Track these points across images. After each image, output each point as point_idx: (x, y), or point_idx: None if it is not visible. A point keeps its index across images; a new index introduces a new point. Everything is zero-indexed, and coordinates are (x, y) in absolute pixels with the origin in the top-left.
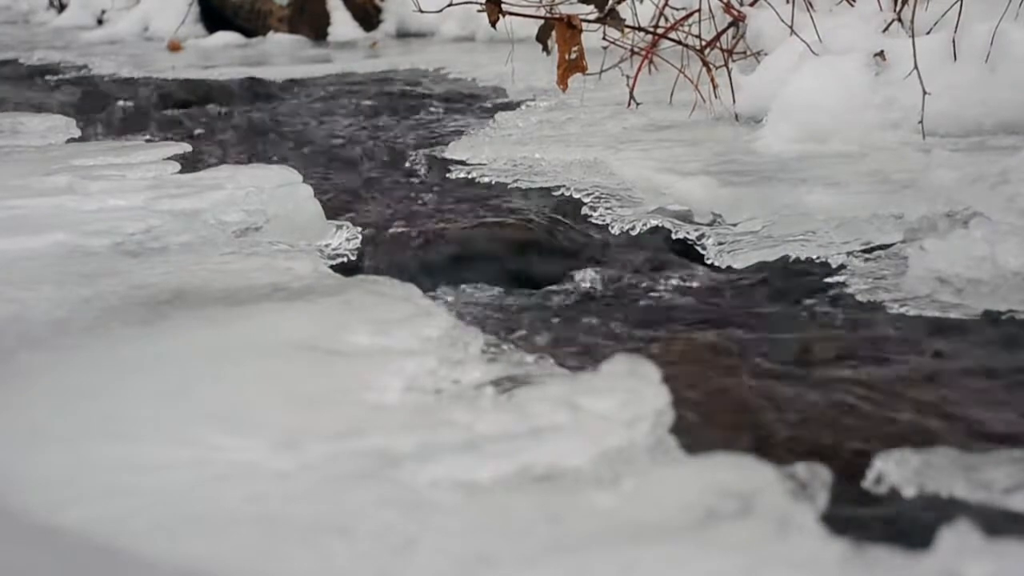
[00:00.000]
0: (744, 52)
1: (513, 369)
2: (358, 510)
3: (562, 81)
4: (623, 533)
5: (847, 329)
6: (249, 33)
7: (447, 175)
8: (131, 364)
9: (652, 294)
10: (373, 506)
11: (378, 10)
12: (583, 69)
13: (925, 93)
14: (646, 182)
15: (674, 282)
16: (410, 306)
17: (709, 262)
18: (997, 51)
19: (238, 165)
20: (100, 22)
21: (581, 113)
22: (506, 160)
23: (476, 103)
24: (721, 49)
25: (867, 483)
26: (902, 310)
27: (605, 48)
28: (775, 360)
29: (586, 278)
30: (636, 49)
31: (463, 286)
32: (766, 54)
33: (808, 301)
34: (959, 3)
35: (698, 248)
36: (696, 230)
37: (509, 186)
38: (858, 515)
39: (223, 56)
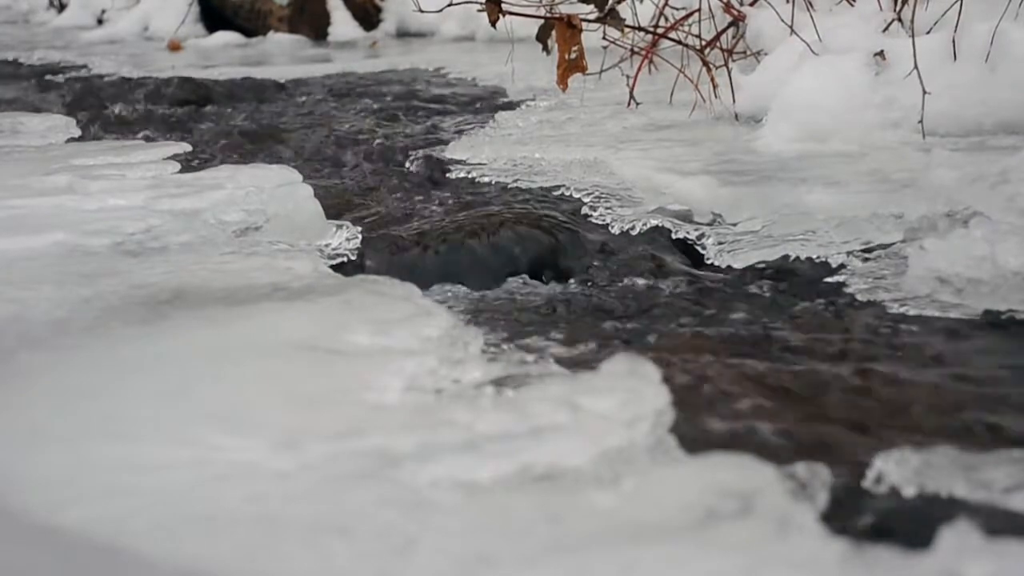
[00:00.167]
0: (744, 52)
1: (513, 369)
2: (358, 510)
3: (562, 81)
4: (623, 533)
5: (847, 329)
6: (249, 33)
7: (447, 175)
8: (131, 364)
9: (652, 294)
10: (373, 506)
11: (378, 10)
12: (583, 69)
13: (925, 93)
14: (646, 182)
15: (674, 282)
16: (410, 306)
17: (709, 262)
18: (997, 51)
19: (238, 165)
20: (100, 22)
21: (581, 113)
22: (506, 160)
23: (476, 103)
24: (721, 49)
25: (867, 483)
26: (902, 310)
27: (605, 48)
28: (775, 360)
29: (586, 278)
30: (636, 49)
31: (463, 286)
32: (766, 54)
33: (808, 301)
34: (959, 3)
35: (698, 248)
36: (696, 230)
37: (509, 186)
38: (858, 515)
39: (223, 56)
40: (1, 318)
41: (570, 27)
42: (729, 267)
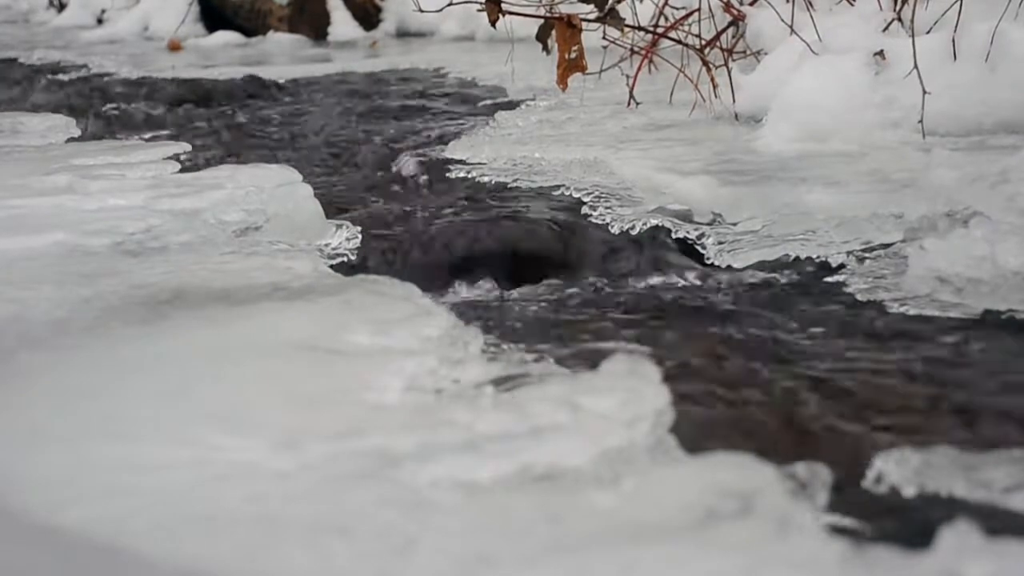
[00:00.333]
0: (744, 51)
1: (513, 368)
2: (358, 510)
3: (562, 80)
4: (623, 533)
5: (847, 328)
6: (249, 33)
7: (447, 174)
8: (131, 364)
9: (652, 293)
10: (373, 506)
11: (378, 9)
12: (583, 68)
13: (925, 92)
14: (646, 181)
15: (674, 281)
16: (410, 305)
17: (709, 261)
18: (997, 51)
19: (238, 164)
20: (100, 21)
21: (581, 112)
22: (506, 159)
23: (476, 102)
24: (721, 48)
25: (867, 483)
26: (902, 309)
27: (605, 47)
28: (775, 359)
29: (586, 277)
30: (636, 48)
31: (463, 285)
32: (766, 53)
33: (808, 300)
34: (959, 3)
35: (698, 247)
36: (696, 229)
37: (509, 185)
38: (858, 515)
39: (223, 55)
40: (1, 318)
41: (570, 27)
42: (729, 267)
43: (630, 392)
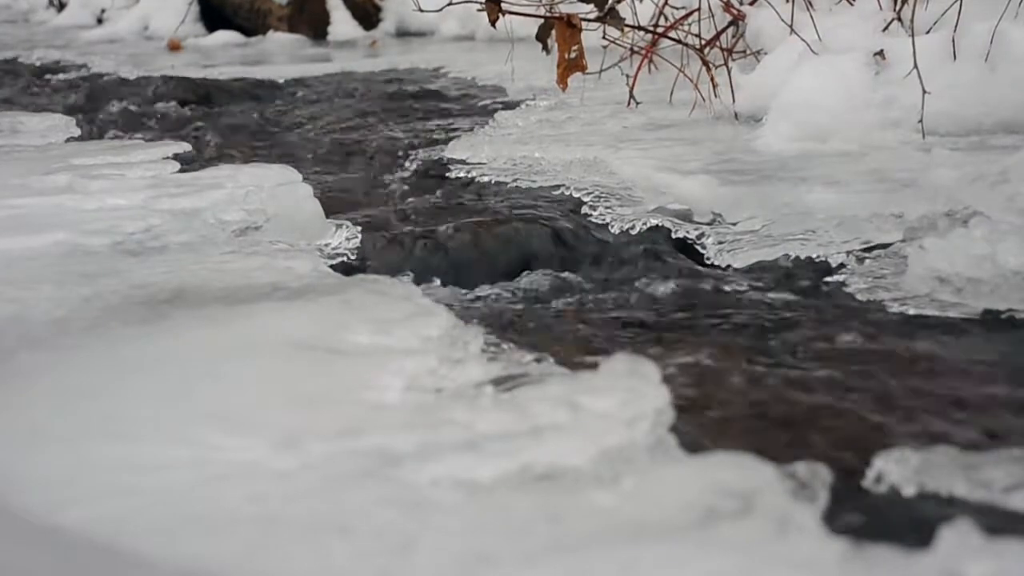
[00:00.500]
0: (744, 51)
1: (513, 368)
2: (358, 510)
3: (562, 80)
4: (623, 532)
5: (847, 328)
6: (249, 32)
7: (447, 174)
8: (131, 364)
9: (652, 293)
10: (373, 506)
11: (378, 9)
12: (583, 68)
13: (925, 92)
14: (646, 181)
15: (674, 281)
16: (410, 305)
17: (709, 261)
18: (997, 50)
19: (238, 164)
20: (100, 21)
21: (581, 112)
22: (506, 159)
23: (476, 102)
24: (721, 48)
25: (867, 482)
26: (902, 309)
27: (605, 47)
28: (775, 359)
29: (586, 277)
30: (636, 48)
31: (463, 285)
32: (766, 53)
33: (808, 300)
34: (959, 3)
35: (698, 247)
36: (696, 229)
37: (509, 185)
38: (858, 515)
39: (223, 55)
40: (1, 318)
41: (570, 26)
42: (729, 266)
43: (630, 392)
